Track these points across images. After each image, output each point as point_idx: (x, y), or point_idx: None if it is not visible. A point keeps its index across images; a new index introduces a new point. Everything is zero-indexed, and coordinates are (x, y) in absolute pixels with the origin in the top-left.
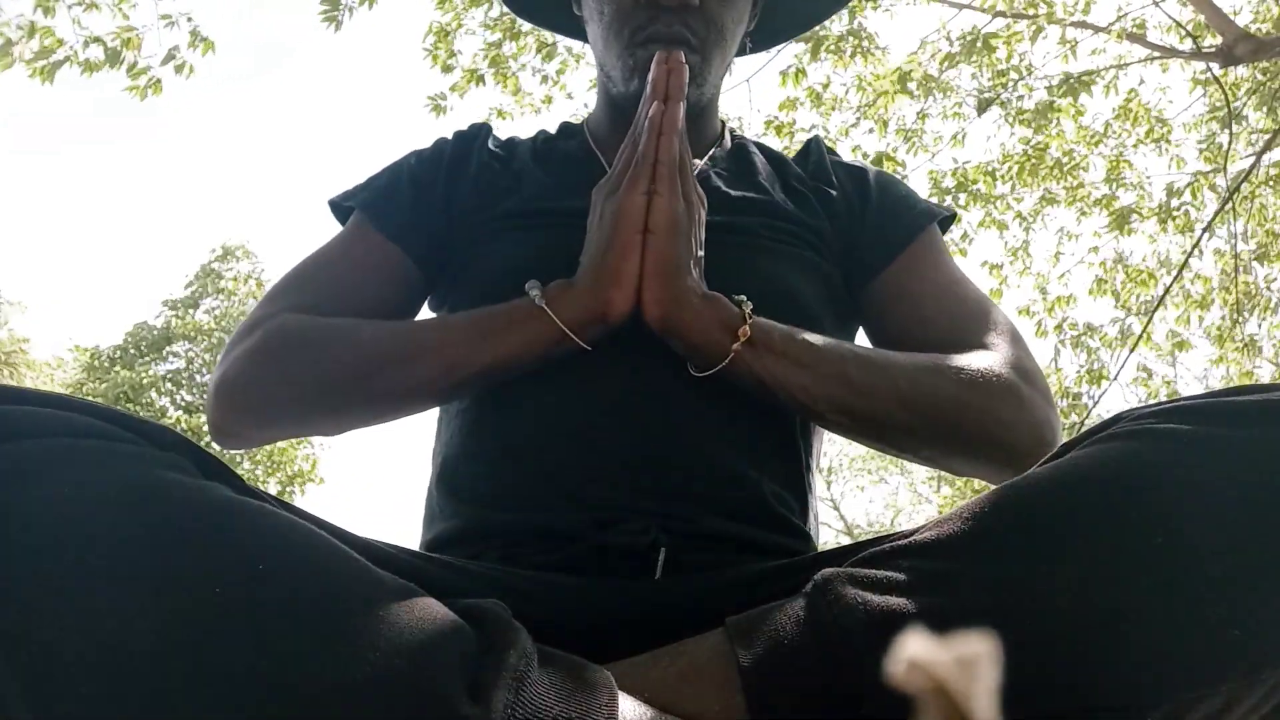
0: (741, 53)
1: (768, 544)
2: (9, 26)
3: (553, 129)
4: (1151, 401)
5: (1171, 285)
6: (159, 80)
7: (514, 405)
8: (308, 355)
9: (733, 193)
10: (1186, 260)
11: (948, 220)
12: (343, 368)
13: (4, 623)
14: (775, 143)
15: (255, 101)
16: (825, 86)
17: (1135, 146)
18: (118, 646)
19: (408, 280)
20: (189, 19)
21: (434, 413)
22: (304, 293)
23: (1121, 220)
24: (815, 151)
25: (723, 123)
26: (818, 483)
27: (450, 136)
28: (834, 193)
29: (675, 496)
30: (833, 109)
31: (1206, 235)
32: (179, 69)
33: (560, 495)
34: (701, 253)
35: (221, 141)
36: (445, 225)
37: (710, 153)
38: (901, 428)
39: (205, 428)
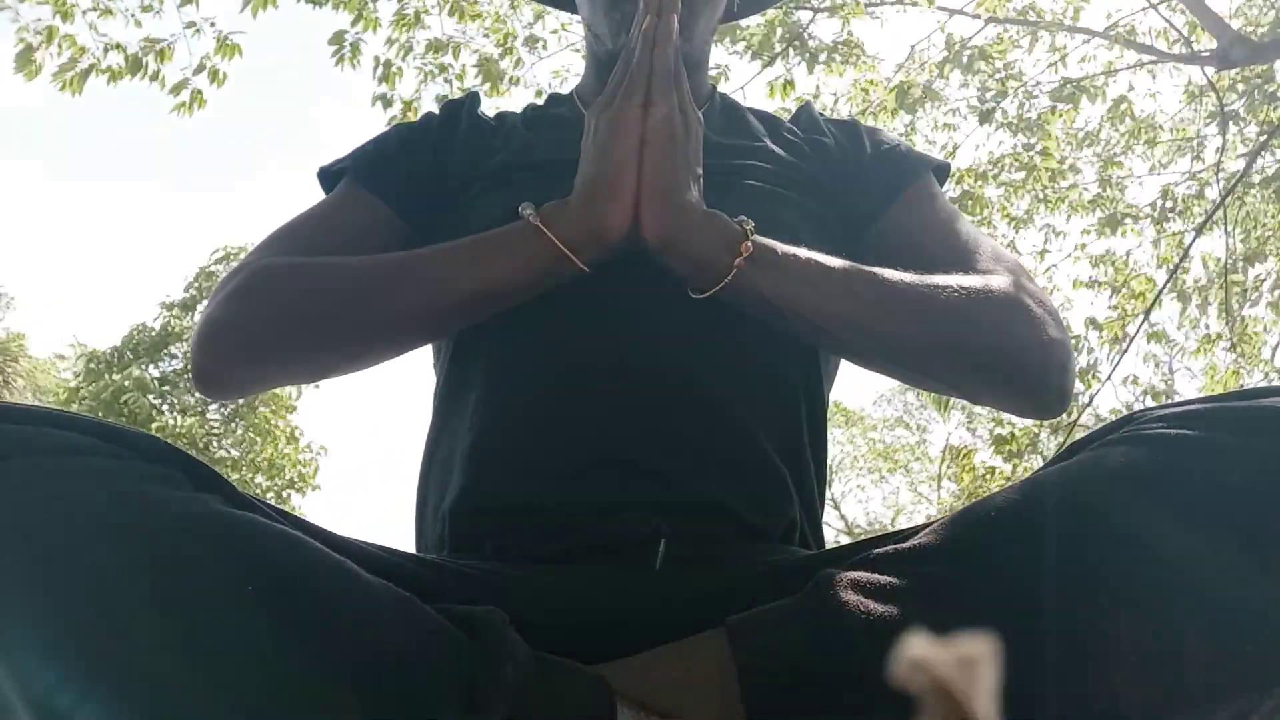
0: (729, 8)
1: (761, 511)
2: (28, 32)
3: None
4: (1163, 404)
5: (1165, 287)
6: (199, 91)
7: (504, 366)
8: (294, 287)
9: (724, 141)
10: (1180, 262)
11: (942, 172)
12: (330, 296)
13: (2, 634)
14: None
15: (259, 101)
16: (815, 97)
17: (1124, 144)
18: (108, 664)
19: (398, 239)
20: (212, 24)
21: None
22: (291, 246)
23: (1114, 223)
24: (806, 111)
25: (713, 86)
26: (826, 447)
27: (437, 108)
28: (827, 140)
29: (673, 458)
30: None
31: (1197, 236)
32: (212, 77)
33: (558, 474)
34: (700, 170)
35: (221, 141)
36: (435, 184)
37: (702, 110)
38: (914, 346)
39: (200, 428)
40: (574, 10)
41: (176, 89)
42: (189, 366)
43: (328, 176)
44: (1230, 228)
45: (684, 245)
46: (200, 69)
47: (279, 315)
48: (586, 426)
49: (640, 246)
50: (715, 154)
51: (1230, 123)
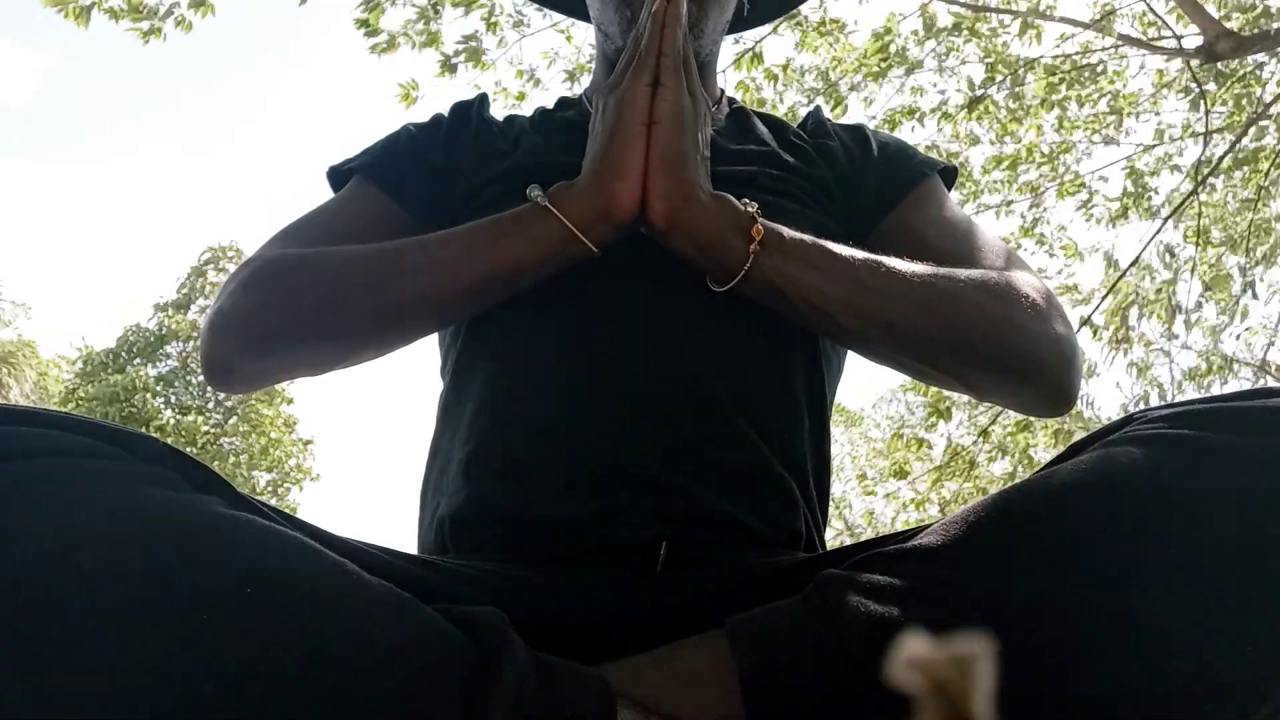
0: (739, 14)
1: (764, 521)
2: None
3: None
4: (1164, 404)
5: (1128, 270)
6: (160, 28)
7: (504, 374)
8: (304, 274)
9: (732, 146)
10: (1145, 246)
11: (950, 175)
12: (340, 282)
13: (2, 637)
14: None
15: (245, 96)
16: (784, 68)
17: (1102, 120)
18: (109, 666)
19: (407, 235)
20: None
21: (434, 403)
22: (300, 241)
23: (1077, 191)
24: (814, 116)
25: (722, 90)
26: (829, 454)
27: (447, 109)
28: (834, 144)
29: (675, 468)
30: (792, 80)
31: (1171, 216)
32: (179, 24)
33: (556, 483)
34: (708, 152)
35: (215, 138)
36: (445, 183)
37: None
38: (919, 334)
39: (200, 425)
40: (573, 13)
41: (139, 17)
42: (199, 360)
43: (337, 176)
44: (1200, 221)
45: (692, 227)
46: (168, 14)
47: (290, 303)
48: (586, 436)
49: (649, 236)
50: (723, 159)
51: (1209, 114)
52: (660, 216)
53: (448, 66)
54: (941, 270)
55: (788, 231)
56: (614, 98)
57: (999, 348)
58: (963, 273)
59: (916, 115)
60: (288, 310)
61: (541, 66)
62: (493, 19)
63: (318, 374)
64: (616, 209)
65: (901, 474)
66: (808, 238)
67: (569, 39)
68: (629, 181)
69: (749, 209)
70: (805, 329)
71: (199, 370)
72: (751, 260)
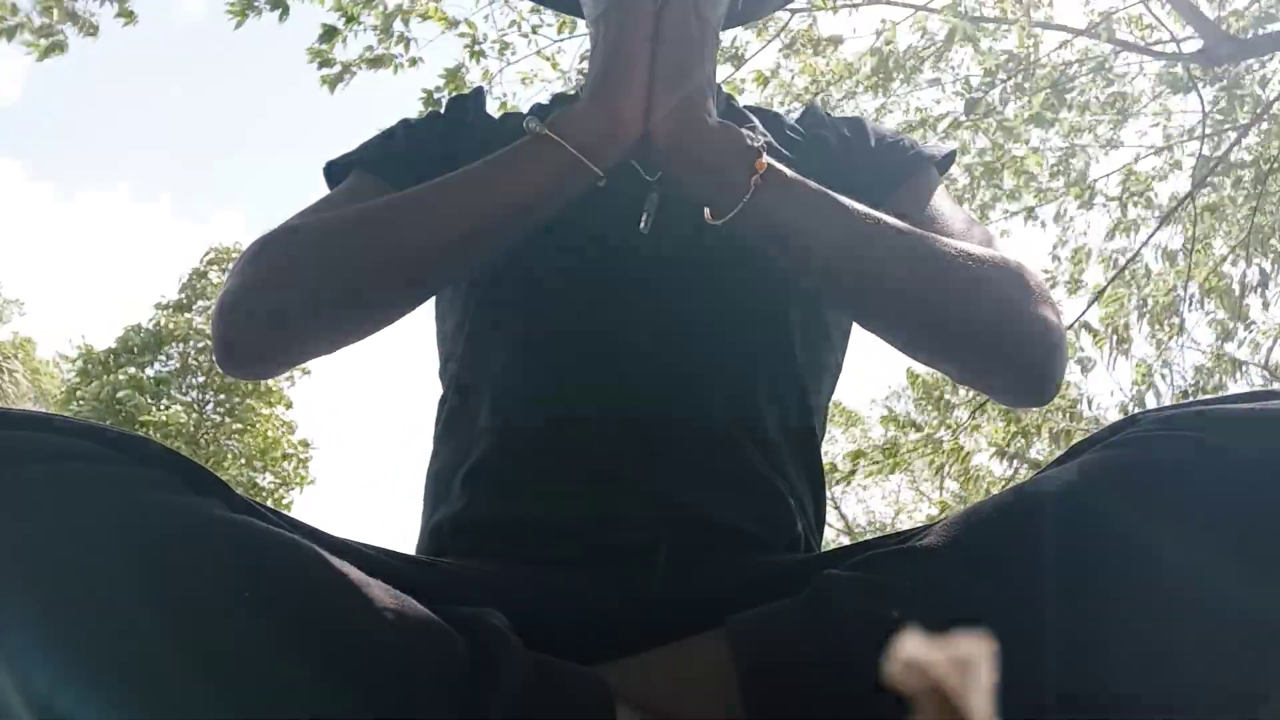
0: (733, 10)
1: (764, 528)
2: None
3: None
4: (1165, 405)
5: (1123, 269)
6: (63, 43)
7: (504, 381)
8: (310, 238)
9: None
10: (1140, 249)
11: (947, 161)
12: (349, 238)
13: (2, 641)
14: None
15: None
16: (774, 72)
17: (1101, 110)
18: (107, 666)
19: None
20: None
21: (433, 402)
22: None
23: (1083, 192)
24: (811, 110)
25: (719, 87)
26: (821, 461)
27: (443, 104)
28: (829, 135)
29: (675, 481)
30: (782, 89)
31: (1163, 223)
32: (82, 29)
33: (558, 492)
34: (714, 79)
35: (216, 137)
36: (445, 172)
37: None
38: (911, 292)
39: (197, 426)
40: (568, 9)
41: (40, 33)
42: (213, 346)
43: (334, 172)
44: (1195, 221)
45: (694, 148)
46: (83, 27)
47: (300, 269)
48: (586, 446)
49: (652, 246)
50: None
51: (1208, 116)
52: (664, 135)
53: (430, 101)
54: (940, 237)
55: (791, 171)
56: (617, 14)
57: (987, 318)
58: (961, 243)
59: (927, 121)
60: (299, 276)
61: (523, 91)
62: (477, 47)
63: (334, 347)
64: (620, 128)
65: (893, 453)
66: (811, 182)
67: (554, 65)
68: (633, 98)
69: (755, 143)
70: (797, 276)
71: (199, 371)
72: (752, 192)
